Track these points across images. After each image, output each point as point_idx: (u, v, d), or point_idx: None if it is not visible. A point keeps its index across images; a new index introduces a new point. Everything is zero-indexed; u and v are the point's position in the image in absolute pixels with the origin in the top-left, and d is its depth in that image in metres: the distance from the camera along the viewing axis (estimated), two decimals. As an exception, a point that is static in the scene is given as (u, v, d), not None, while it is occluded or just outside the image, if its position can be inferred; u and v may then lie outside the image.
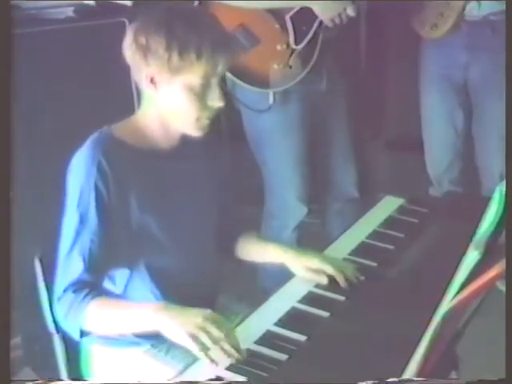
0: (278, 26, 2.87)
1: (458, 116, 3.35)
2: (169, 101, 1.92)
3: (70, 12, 2.93)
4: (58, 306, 1.88)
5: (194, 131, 1.96)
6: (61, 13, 2.93)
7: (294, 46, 2.87)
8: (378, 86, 4.21)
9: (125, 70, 1.96)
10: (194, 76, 1.86)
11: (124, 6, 3.11)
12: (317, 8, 2.83)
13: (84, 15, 2.96)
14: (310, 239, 3.04)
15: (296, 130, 3.00)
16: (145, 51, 1.86)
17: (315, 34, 2.87)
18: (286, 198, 3.12)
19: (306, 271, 2.10)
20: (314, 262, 2.09)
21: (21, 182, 2.55)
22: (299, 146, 3.04)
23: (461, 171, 3.45)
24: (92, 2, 3.04)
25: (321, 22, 2.86)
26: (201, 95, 1.90)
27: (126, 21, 2.92)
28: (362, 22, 3.72)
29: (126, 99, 2.85)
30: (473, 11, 3.11)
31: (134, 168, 1.93)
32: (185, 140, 2.01)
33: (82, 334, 1.88)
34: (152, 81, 1.89)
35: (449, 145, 3.41)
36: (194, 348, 1.71)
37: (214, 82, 1.90)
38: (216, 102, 1.92)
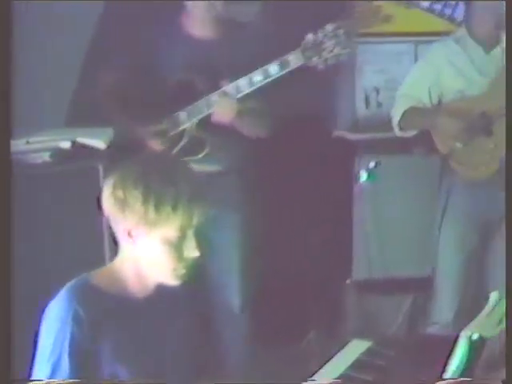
0: None
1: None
2: (146, 252, 1.94)
3: (46, 157, 2.98)
4: None
5: (171, 280, 1.98)
6: (38, 157, 2.98)
7: None
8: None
9: (99, 217, 2.00)
10: (170, 229, 1.89)
11: (98, 150, 3.16)
12: None
13: (60, 160, 3.01)
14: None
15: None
16: (122, 205, 1.89)
17: None
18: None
19: None
20: None
21: None
22: None
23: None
24: (68, 146, 3.10)
25: None
26: (177, 247, 1.92)
27: (100, 167, 3.00)
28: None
29: (99, 245, 2.90)
30: None
31: (109, 315, 1.92)
32: (160, 290, 2.02)
33: None
34: (129, 234, 1.92)
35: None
36: None
37: (190, 233, 1.93)
38: (192, 252, 1.94)
